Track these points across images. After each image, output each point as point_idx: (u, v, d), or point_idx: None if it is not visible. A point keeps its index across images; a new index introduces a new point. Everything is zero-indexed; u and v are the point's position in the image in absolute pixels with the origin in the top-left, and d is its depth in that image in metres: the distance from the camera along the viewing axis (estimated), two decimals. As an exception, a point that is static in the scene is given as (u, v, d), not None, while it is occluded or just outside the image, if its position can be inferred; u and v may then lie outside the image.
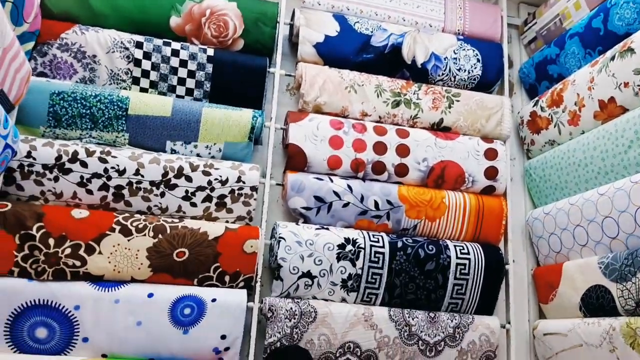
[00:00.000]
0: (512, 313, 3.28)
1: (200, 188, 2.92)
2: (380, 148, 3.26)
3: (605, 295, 2.82)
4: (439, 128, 3.46)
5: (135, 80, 3.07)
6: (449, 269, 3.11)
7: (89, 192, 2.78)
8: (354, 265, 3.01)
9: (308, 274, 2.96)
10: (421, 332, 3.04)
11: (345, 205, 3.16)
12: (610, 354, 2.75)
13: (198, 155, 3.04)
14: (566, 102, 3.32)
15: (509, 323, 3.27)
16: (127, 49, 3.04)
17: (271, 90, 3.30)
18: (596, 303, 2.88)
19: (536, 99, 3.61)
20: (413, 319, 3.04)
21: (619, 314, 2.75)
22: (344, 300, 3.03)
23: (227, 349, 2.77)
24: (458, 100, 3.48)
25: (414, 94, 3.43)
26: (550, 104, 3.45)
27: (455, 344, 3.08)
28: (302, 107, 3.32)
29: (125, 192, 2.82)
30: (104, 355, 2.64)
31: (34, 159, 2.71)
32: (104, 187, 2.80)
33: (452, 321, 3.09)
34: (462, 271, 3.13)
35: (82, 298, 2.63)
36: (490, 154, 3.42)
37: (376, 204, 3.19)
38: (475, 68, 3.56)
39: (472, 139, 3.44)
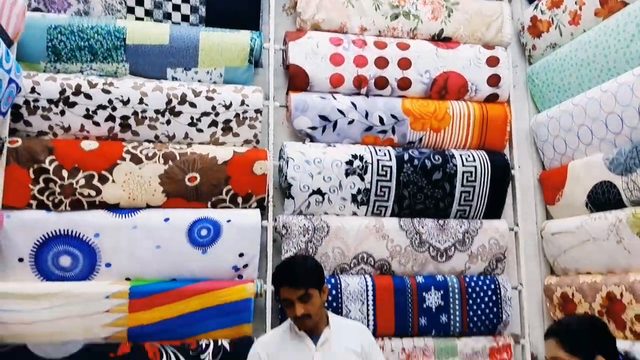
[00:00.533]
0: (520, 216, 3.35)
1: (205, 114, 2.94)
2: (381, 62, 3.25)
3: (611, 189, 2.87)
4: (439, 39, 3.43)
5: (130, 10, 3.04)
6: (455, 177, 3.16)
7: (96, 123, 2.81)
8: (363, 179, 3.06)
9: (318, 191, 3.02)
10: (431, 239, 3.12)
11: (351, 122, 3.18)
12: (617, 245, 2.83)
13: (199, 81, 3.04)
14: (566, 2, 3.28)
15: (517, 225, 3.34)
16: (118, -23, 3.00)
17: (267, 11, 3.26)
18: (602, 198, 2.94)
19: (535, 2, 3.55)
20: (423, 227, 3.12)
21: (625, 205, 2.82)
22: (354, 214, 3.10)
23: (245, 266, 2.87)
24: (457, 9, 3.43)
25: (412, 5, 3.38)
26: (550, 5, 3.40)
27: (465, 248, 3.16)
28: (300, 26, 3.28)
29: (132, 121, 2.85)
30: (127, 279, 2.74)
31: (39, 94, 2.73)
32: (110, 118, 2.82)
33: (461, 227, 3.17)
34: (469, 179, 3.18)
35: (101, 226, 2.70)
36: (492, 61, 3.40)
37: (381, 119, 3.21)
38: (473, -25, 3.49)
39: (474, 47, 3.42)
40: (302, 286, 2.20)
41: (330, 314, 2.40)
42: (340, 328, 2.34)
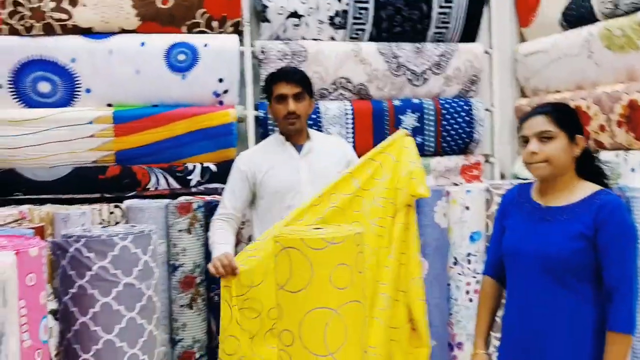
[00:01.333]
0: (495, 38, 3.39)
1: None
2: None
3: (585, 3, 2.90)
4: None
5: None
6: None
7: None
8: (340, 0, 3.01)
9: (295, 14, 2.97)
10: (408, 62, 3.16)
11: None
12: (587, 59, 2.91)
13: None
14: None
15: (492, 48, 3.39)
16: None
17: None
18: (577, 14, 2.97)
19: None
20: (400, 51, 3.15)
21: (598, 20, 2.86)
22: (332, 38, 3.10)
23: (225, 92, 2.89)
24: None
25: None
26: None
27: (440, 71, 3.22)
28: None
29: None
30: (109, 105, 2.76)
31: None
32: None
33: (437, 50, 3.20)
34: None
35: (76, 50, 2.67)
36: None
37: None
38: None
39: None
40: (298, 83, 2.26)
41: (311, 130, 2.46)
42: (322, 141, 2.42)
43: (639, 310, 1.62)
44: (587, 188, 1.68)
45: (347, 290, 1.45)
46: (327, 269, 1.43)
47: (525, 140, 1.69)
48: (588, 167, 1.74)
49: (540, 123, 1.66)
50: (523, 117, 1.74)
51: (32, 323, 1.33)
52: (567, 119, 1.69)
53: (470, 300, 2.77)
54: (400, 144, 2.30)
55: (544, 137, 1.64)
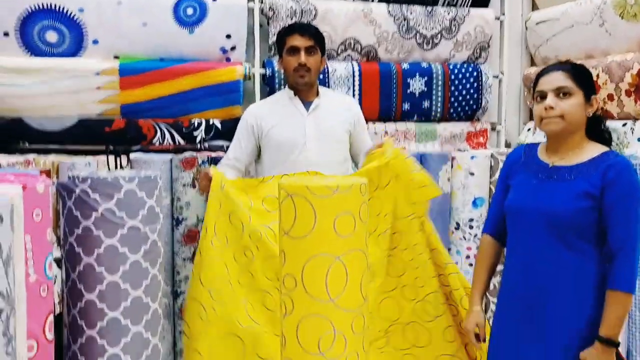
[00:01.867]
0: (507, 5, 3.35)
1: None
2: None
3: (601, -30, 2.85)
4: None
5: None
6: (446, -39, 3.09)
7: None
8: (351, -40, 2.98)
9: (305, -29, 2.94)
10: (419, 25, 3.13)
11: None
12: (599, 28, 2.88)
13: None
14: None
15: (504, 15, 3.35)
16: None
17: None
18: (591, -19, 2.93)
19: None
20: (411, 13, 3.11)
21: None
22: (343, -3, 3.07)
23: (233, 48, 2.87)
24: None
25: None
26: None
27: (451, 36, 3.19)
28: None
29: None
30: (116, 57, 2.75)
31: None
32: None
33: (448, 14, 3.16)
34: (459, -37, 3.11)
35: (85, 0, 2.64)
36: None
37: None
38: None
39: None
40: (312, 37, 2.25)
41: (322, 87, 2.44)
42: (331, 99, 2.41)
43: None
44: (596, 149, 1.68)
45: (349, 238, 1.45)
46: (330, 216, 1.44)
47: (541, 96, 1.68)
48: (598, 129, 1.74)
49: (560, 79, 1.65)
50: (540, 72, 1.73)
51: (37, 258, 1.35)
52: (585, 77, 1.68)
53: (471, 265, 2.79)
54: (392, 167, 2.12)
55: (562, 92, 1.64)
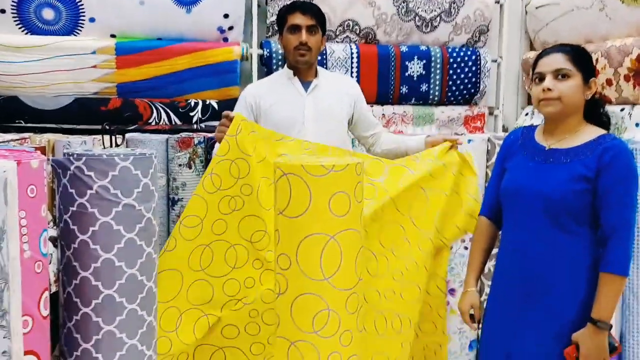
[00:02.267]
0: (507, -11, 3.33)
1: None
2: None
3: (603, -47, 2.83)
4: None
5: None
6: (446, -57, 3.06)
7: None
8: (351, -60, 2.94)
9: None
10: (418, 8, 3.11)
11: None
12: (599, 12, 2.86)
13: None
14: None
15: (503, -2, 3.33)
16: None
17: None
18: (592, -36, 2.90)
19: None
20: (410, -4, 3.09)
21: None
22: (341, -21, 3.04)
23: (230, 28, 2.85)
24: None
25: None
26: None
27: (450, 19, 3.17)
28: None
29: None
30: (112, 36, 2.73)
31: None
32: None
33: (448, -4, 3.15)
34: (460, -55, 3.08)
35: (81, -23, 2.62)
36: None
37: None
38: None
39: None
40: (313, 16, 2.23)
41: (320, 68, 2.42)
42: (329, 79, 2.39)
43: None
44: (593, 132, 1.68)
45: (344, 217, 1.45)
46: (325, 195, 1.44)
47: (539, 78, 1.68)
48: (596, 112, 1.74)
49: (560, 60, 1.64)
50: (540, 54, 1.72)
51: (32, 234, 1.35)
52: (584, 60, 1.68)
53: (466, 248, 2.79)
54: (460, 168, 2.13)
55: (560, 74, 1.63)
